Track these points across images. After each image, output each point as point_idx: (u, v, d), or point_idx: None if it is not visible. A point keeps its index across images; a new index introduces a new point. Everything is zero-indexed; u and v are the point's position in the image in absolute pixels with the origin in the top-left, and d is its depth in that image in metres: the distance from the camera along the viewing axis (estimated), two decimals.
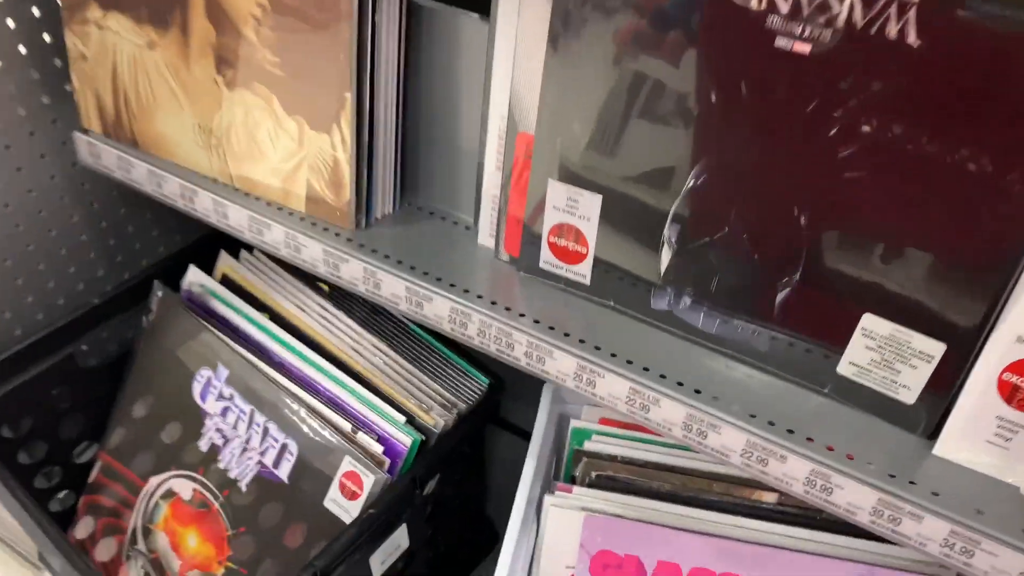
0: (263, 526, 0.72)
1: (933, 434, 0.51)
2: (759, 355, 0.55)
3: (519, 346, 0.58)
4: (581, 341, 0.56)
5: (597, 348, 0.56)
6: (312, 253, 0.65)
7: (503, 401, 0.95)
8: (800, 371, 0.54)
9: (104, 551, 0.81)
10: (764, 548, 0.59)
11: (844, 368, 0.52)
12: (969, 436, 0.49)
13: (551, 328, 0.57)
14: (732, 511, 0.64)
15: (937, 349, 0.48)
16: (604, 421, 0.72)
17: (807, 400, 0.53)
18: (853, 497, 0.48)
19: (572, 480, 0.70)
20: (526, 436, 0.70)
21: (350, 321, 0.77)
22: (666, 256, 0.55)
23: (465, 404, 0.72)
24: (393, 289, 0.61)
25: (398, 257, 0.63)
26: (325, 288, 0.80)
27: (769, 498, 0.64)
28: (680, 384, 0.54)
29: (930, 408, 0.50)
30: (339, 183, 0.63)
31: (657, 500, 0.65)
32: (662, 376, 0.54)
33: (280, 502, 0.72)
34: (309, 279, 0.81)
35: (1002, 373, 0.46)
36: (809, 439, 0.50)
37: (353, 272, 0.63)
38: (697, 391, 0.53)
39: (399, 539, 0.72)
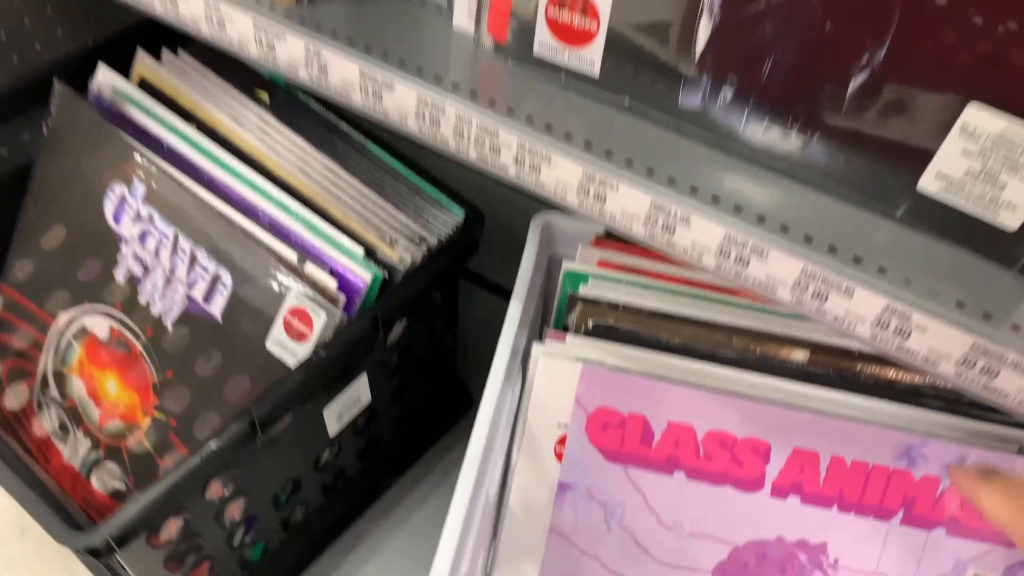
0: (199, 374, 0.61)
1: None
2: (816, 170, 0.43)
3: (507, 150, 0.45)
4: (588, 145, 0.44)
5: (608, 154, 0.43)
6: (240, 29, 0.50)
7: (481, 257, 0.84)
8: (868, 190, 0.42)
9: (13, 399, 0.69)
10: (794, 412, 0.50)
11: (928, 183, 0.40)
12: None
13: (548, 128, 0.44)
14: (756, 368, 0.53)
15: None
16: (603, 264, 0.60)
17: (875, 227, 0.42)
18: (938, 341, 0.37)
19: (565, 329, 0.59)
20: (507, 295, 0.58)
21: (295, 137, 0.63)
22: (704, 30, 0.42)
23: (437, 239, 0.60)
24: (344, 74, 0.48)
25: (350, 35, 0.48)
26: (264, 98, 0.66)
27: (799, 356, 0.53)
28: (716, 199, 0.42)
29: None
30: None
31: (666, 354, 0.55)
32: (692, 190, 0.42)
33: (216, 347, 0.60)
34: (245, 85, 0.66)
35: None
36: (882, 269, 0.39)
37: (293, 53, 0.49)
38: (738, 208, 0.41)
39: (359, 391, 0.61)
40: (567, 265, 0.60)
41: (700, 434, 0.50)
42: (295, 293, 0.55)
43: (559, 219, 0.64)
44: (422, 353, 0.67)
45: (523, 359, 0.60)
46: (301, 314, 0.55)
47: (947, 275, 0.40)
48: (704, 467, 0.51)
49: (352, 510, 0.71)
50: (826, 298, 0.39)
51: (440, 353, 0.71)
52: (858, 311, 0.39)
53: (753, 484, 0.51)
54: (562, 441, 0.57)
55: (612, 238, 0.62)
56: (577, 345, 0.55)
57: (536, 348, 0.56)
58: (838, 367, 0.54)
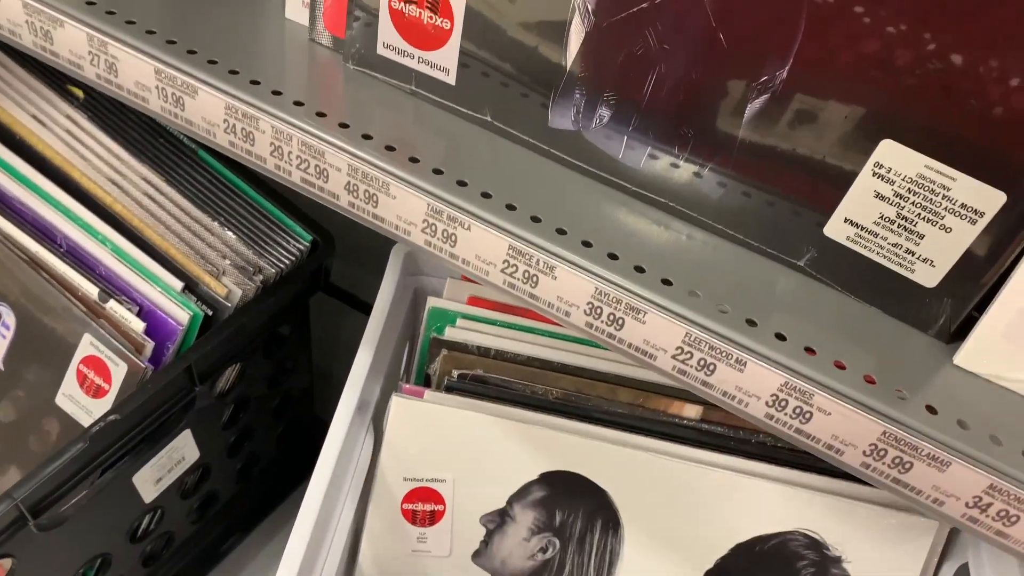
0: None
1: (956, 335, 0.34)
2: (707, 207, 0.36)
3: (337, 174, 0.36)
4: (437, 172, 0.36)
5: (462, 184, 0.35)
6: (10, 15, 0.40)
7: (352, 273, 0.75)
8: (767, 233, 0.35)
9: None
10: None
11: (835, 228, 0.34)
12: (1016, 340, 0.32)
13: (390, 149, 0.36)
14: (645, 429, 0.46)
15: (991, 202, 0.30)
16: (474, 301, 0.52)
17: (774, 277, 0.35)
18: (842, 428, 0.31)
19: (427, 380, 0.51)
20: None
21: (111, 142, 0.53)
22: (576, 36, 0.34)
23: (276, 269, 0.51)
24: (137, 74, 0.38)
25: (149, 26, 0.39)
26: (79, 95, 0.55)
27: (691, 412, 0.47)
28: (588, 244, 0.34)
29: (957, 298, 0.33)
30: None
31: (541, 411, 0.47)
32: (560, 231, 0.34)
33: (5, 397, 0.49)
34: (55, 82, 0.55)
35: None
36: (780, 336, 0.32)
37: (74, 44, 0.39)
38: (613, 256, 0.34)
39: (180, 450, 0.51)
40: (432, 302, 0.52)
41: None
42: (90, 340, 0.45)
43: None
44: (266, 397, 0.58)
45: (379, 409, 0.52)
46: (98, 364, 0.45)
47: (856, 339, 0.33)
48: None
49: None
50: (713, 370, 0.32)
51: (292, 392, 0.61)
52: (751, 388, 0.32)
53: None
54: (408, 497, 0.49)
55: None
56: (436, 401, 0.47)
57: (394, 402, 0.47)
58: (735, 424, 0.47)
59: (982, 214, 0.31)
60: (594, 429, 0.47)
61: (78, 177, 0.52)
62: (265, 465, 0.63)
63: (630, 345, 0.34)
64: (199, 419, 0.51)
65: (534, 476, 0.48)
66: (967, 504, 0.30)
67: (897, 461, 0.31)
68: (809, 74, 0.31)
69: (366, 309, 0.51)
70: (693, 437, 0.47)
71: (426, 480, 0.49)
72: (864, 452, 0.31)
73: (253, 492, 0.63)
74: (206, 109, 0.37)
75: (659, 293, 0.33)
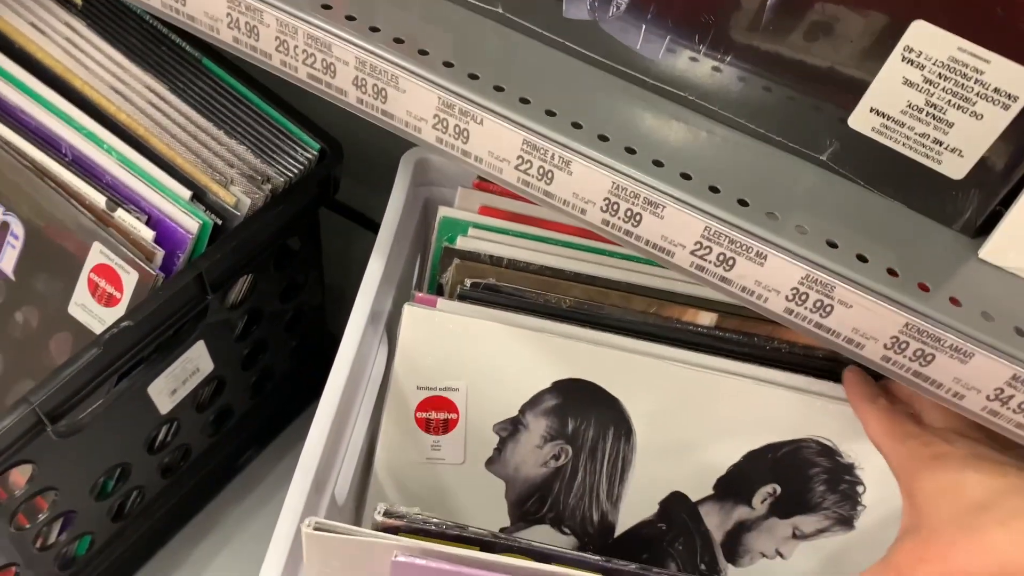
0: (11, 335, 0.50)
1: (981, 231, 0.33)
2: (727, 100, 0.35)
3: (344, 68, 0.35)
4: (447, 64, 0.34)
5: (473, 77, 0.34)
6: None
7: (361, 192, 0.73)
8: (789, 127, 0.34)
9: None
10: None
11: (860, 119, 0.33)
12: None
13: (398, 41, 0.35)
14: (658, 336, 0.46)
15: None
16: (486, 210, 0.52)
17: (796, 172, 0.34)
18: (864, 321, 0.30)
19: (439, 290, 0.51)
20: None
21: (112, 50, 0.51)
22: None
23: (284, 178, 0.50)
24: None
25: None
26: (77, 1, 0.54)
27: (706, 319, 0.46)
28: (604, 139, 0.33)
29: (984, 190, 0.32)
30: None
31: (554, 319, 0.47)
32: (576, 125, 0.33)
33: (17, 309, 0.49)
34: None
35: None
36: (801, 229, 0.32)
37: None
38: (630, 150, 0.33)
39: (195, 361, 0.52)
40: (444, 211, 0.51)
41: None
42: (100, 249, 0.45)
43: (437, 155, 0.54)
44: (278, 310, 0.58)
45: (392, 320, 0.52)
46: (109, 273, 0.45)
47: (878, 234, 0.32)
48: None
49: (203, 492, 0.62)
50: (732, 264, 0.32)
51: (302, 308, 0.61)
52: (771, 281, 0.31)
53: None
54: (422, 406, 0.49)
55: None
56: (450, 310, 0.47)
57: (406, 311, 0.47)
58: (750, 332, 0.47)
59: (1016, 98, 0.29)
60: (607, 336, 0.46)
61: (80, 86, 0.51)
62: (279, 380, 0.63)
63: (647, 242, 0.33)
64: (212, 330, 0.51)
65: (547, 385, 0.48)
66: (987, 397, 0.30)
67: (919, 354, 0.30)
68: None
69: (376, 228, 0.50)
70: (707, 343, 0.46)
71: (439, 389, 0.49)
72: (885, 345, 0.31)
73: (267, 407, 0.64)
74: (208, 3, 0.36)
75: (678, 187, 0.32)
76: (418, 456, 0.51)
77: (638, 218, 0.33)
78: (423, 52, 0.35)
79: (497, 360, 0.48)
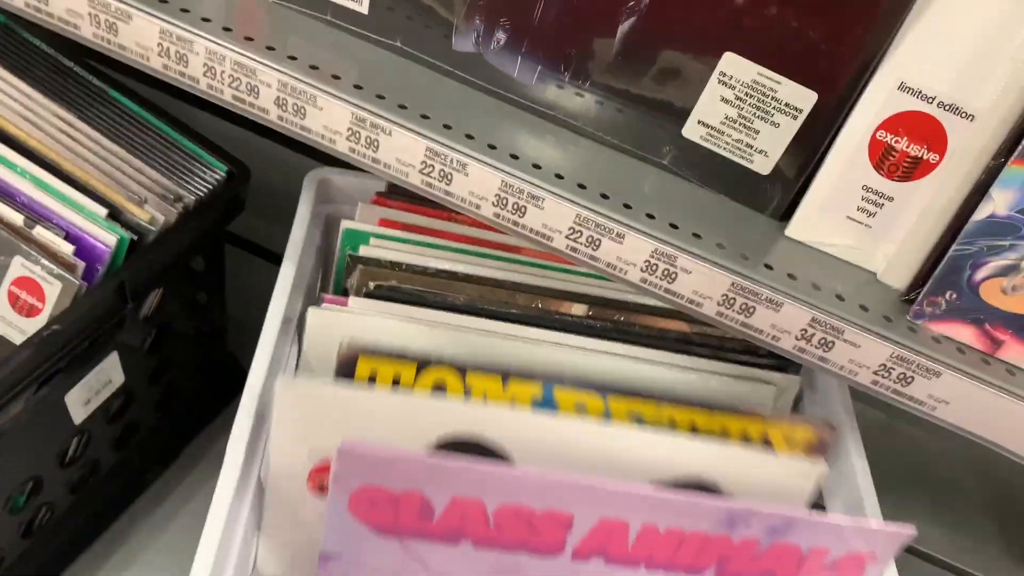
0: None
1: (785, 215, 0.42)
2: (588, 118, 0.43)
3: (267, 90, 0.41)
4: (357, 87, 0.41)
5: (380, 97, 0.41)
6: None
7: (254, 223, 0.77)
8: (637, 138, 0.43)
9: None
10: (601, 486, 0.42)
11: (692, 130, 0.41)
12: (829, 212, 0.41)
13: (314, 68, 0.41)
14: (539, 324, 0.53)
15: (807, 100, 0.39)
16: (385, 223, 0.58)
17: (645, 174, 0.43)
18: (701, 283, 0.39)
19: (345, 293, 0.56)
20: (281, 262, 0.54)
21: (18, 82, 0.54)
22: None
23: (195, 197, 0.54)
24: (69, 1, 0.41)
25: None
26: None
27: (579, 310, 0.54)
28: (492, 147, 0.40)
29: (785, 182, 0.41)
30: None
31: (450, 312, 0.53)
32: (469, 136, 0.40)
33: None
34: None
35: (876, 131, 0.38)
36: (649, 215, 0.40)
37: None
38: (514, 156, 0.40)
39: (108, 372, 0.54)
40: (346, 224, 0.57)
41: (491, 508, 0.44)
42: (21, 262, 0.47)
43: (336, 176, 0.60)
44: (184, 328, 0.61)
45: (300, 327, 0.56)
46: (30, 285, 0.48)
47: (709, 219, 0.41)
48: (496, 536, 0.44)
49: (111, 508, 0.63)
50: (599, 244, 0.39)
51: (206, 328, 0.64)
52: (629, 256, 0.39)
53: (552, 549, 0.45)
54: None
55: (393, 196, 0.59)
56: (359, 308, 0.52)
57: (312, 313, 0.52)
58: (614, 319, 0.55)
59: (800, 111, 0.39)
60: (494, 324, 0.53)
61: None
62: (183, 397, 0.66)
63: (531, 230, 0.40)
64: (126, 342, 0.54)
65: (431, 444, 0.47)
66: (796, 337, 0.39)
67: (743, 307, 0.39)
68: (663, 15, 0.38)
69: (274, 259, 0.55)
70: (579, 329, 0.54)
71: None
72: (718, 303, 0.39)
73: (171, 423, 0.66)
74: (141, 34, 0.41)
75: (554, 184, 0.39)
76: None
77: (523, 210, 0.40)
78: (336, 76, 0.41)
79: (376, 429, 0.46)
